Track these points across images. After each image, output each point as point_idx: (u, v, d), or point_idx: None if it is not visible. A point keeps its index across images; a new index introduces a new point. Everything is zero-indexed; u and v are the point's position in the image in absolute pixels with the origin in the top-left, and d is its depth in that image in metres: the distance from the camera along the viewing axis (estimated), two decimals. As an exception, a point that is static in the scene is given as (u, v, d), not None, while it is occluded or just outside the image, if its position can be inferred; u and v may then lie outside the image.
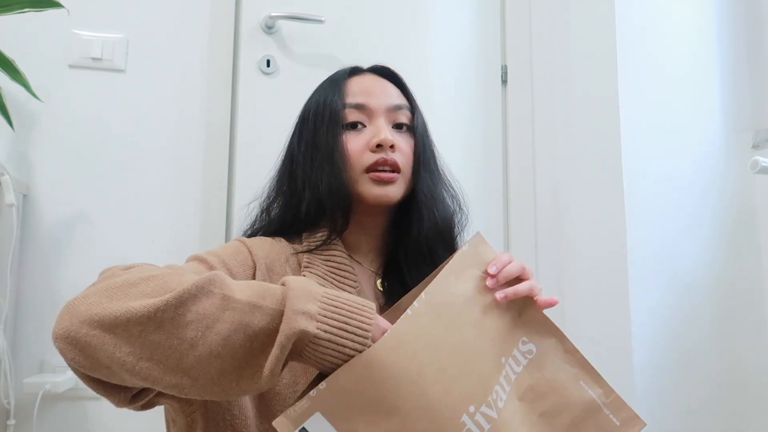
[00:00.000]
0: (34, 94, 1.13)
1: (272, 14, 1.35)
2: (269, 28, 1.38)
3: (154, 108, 1.33)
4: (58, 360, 1.19)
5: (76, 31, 1.30)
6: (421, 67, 1.48)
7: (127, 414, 1.18)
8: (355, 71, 0.83)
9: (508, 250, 1.51)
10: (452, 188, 0.85)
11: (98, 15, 1.33)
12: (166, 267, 0.59)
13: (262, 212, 0.83)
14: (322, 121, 0.78)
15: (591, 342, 1.26)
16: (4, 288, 1.12)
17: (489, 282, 0.61)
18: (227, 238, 1.33)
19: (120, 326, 0.48)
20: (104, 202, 1.28)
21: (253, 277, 0.69)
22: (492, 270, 0.61)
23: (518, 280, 0.64)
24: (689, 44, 1.38)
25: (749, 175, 1.34)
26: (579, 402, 0.59)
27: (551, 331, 0.62)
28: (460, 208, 0.84)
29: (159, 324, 0.48)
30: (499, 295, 0.60)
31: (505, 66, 1.57)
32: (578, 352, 0.61)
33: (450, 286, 0.57)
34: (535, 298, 0.64)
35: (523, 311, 0.62)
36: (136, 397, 0.54)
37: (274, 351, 0.48)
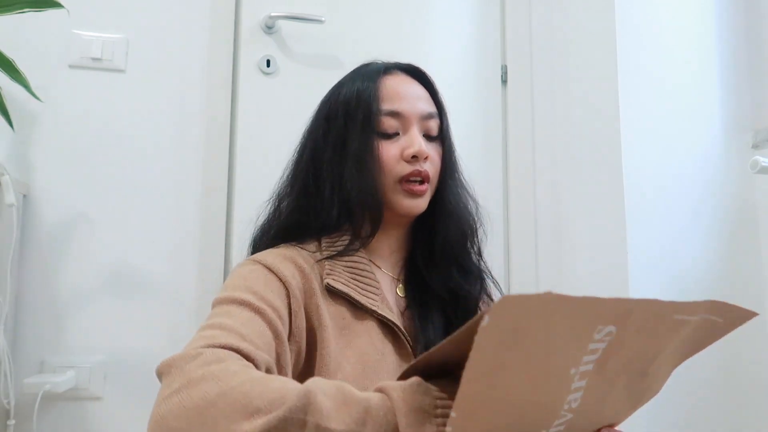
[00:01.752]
0: (34, 94, 1.13)
1: (272, 14, 1.35)
2: (269, 28, 1.38)
3: (154, 108, 1.33)
4: (58, 360, 1.20)
5: (76, 31, 1.30)
6: (421, 66, 1.48)
7: (128, 414, 1.18)
8: (388, 69, 0.80)
9: (509, 250, 1.51)
10: (470, 192, 0.84)
11: (98, 15, 1.33)
12: (219, 323, 0.56)
13: (276, 211, 0.79)
14: (355, 123, 0.74)
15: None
16: (4, 288, 1.12)
17: None
18: (227, 238, 1.33)
19: None
20: (104, 203, 1.28)
21: (289, 306, 0.65)
22: None
23: None
24: (689, 44, 1.38)
25: (749, 175, 1.34)
26: (679, 331, 0.49)
27: (627, 306, 0.47)
28: (476, 210, 0.84)
29: None
30: None
31: (505, 66, 1.57)
32: (662, 300, 0.46)
33: (485, 390, 0.41)
34: None
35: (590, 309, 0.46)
36: None
37: None
